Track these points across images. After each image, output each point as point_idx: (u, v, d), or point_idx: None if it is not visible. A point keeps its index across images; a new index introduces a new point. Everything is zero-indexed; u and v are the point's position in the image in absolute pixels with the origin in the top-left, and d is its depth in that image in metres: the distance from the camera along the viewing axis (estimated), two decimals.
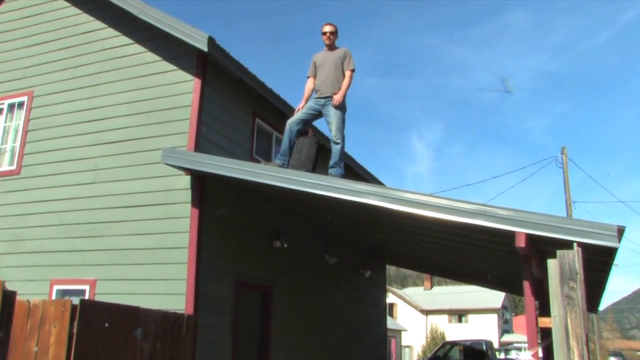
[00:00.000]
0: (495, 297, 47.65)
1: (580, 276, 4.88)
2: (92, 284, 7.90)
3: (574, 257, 4.96)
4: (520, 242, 5.26)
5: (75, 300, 5.25)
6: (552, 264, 4.98)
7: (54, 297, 8.07)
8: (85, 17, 9.39)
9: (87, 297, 7.82)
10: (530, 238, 5.32)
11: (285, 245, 9.40)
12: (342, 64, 7.80)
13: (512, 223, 5.37)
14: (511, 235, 5.37)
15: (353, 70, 7.80)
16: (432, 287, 55.49)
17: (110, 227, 8.06)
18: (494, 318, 48.58)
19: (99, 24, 9.21)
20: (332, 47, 7.96)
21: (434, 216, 5.85)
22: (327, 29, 7.91)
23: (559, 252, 5.02)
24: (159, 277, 7.53)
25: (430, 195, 6.10)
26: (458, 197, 5.82)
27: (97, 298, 7.63)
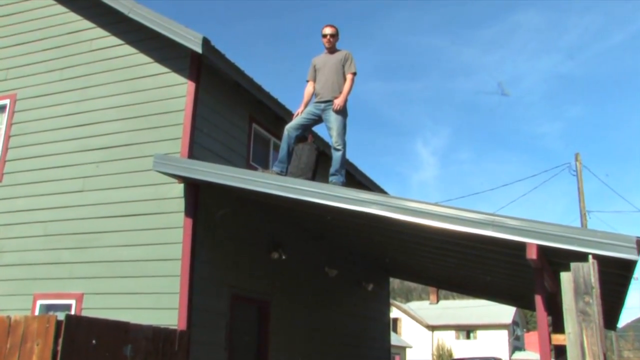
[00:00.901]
0: (506, 312, 47.51)
1: (596, 290, 4.85)
2: (79, 298, 7.87)
3: (589, 270, 4.93)
4: (532, 254, 5.24)
5: (60, 316, 5.21)
6: (565, 278, 4.95)
7: (37, 313, 8.03)
8: (72, 15, 9.40)
9: (73, 312, 7.79)
10: (542, 250, 5.30)
11: (284, 257, 9.38)
12: (343, 67, 7.82)
13: (522, 234, 5.36)
14: (522, 246, 5.36)
15: (354, 74, 7.82)
16: (438, 301, 55.37)
17: (98, 237, 8.04)
18: (504, 334, 48.42)
19: (87, 23, 9.22)
20: (332, 49, 7.99)
21: (440, 226, 5.84)
22: (328, 30, 7.93)
23: (572, 265, 5.00)
24: (150, 290, 7.50)
25: (436, 204, 6.10)
26: (465, 206, 5.99)
27: (84, 313, 7.60)
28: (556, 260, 5.67)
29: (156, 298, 7.42)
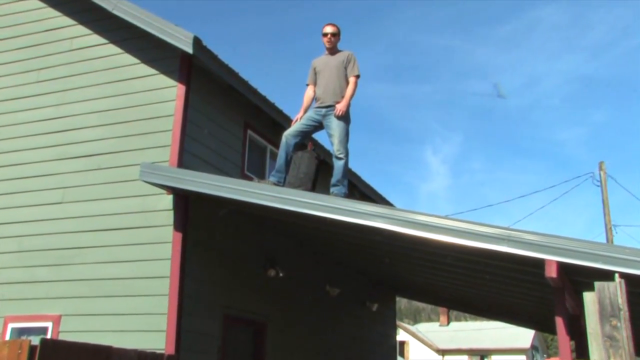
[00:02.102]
0: (524, 336, 47.30)
1: (624, 313, 4.80)
2: (56, 321, 7.81)
3: (616, 290, 4.88)
4: (551, 272, 5.23)
5: (35, 340, 5.13)
6: (588, 298, 4.90)
7: (8, 337, 7.96)
8: (50, 11, 9.40)
9: (49, 336, 7.72)
10: (562, 267, 5.28)
11: (281, 275, 9.35)
12: (346, 69, 7.83)
13: (541, 250, 5.35)
14: (540, 263, 5.34)
15: (358, 76, 7.82)
16: (449, 322, 55.21)
17: (79, 254, 8.00)
18: None
19: (66, 20, 9.22)
20: (333, 50, 8.00)
21: (450, 241, 5.84)
22: (328, 30, 7.95)
23: (597, 284, 4.96)
24: (135, 311, 7.46)
25: (446, 217, 6.11)
26: (478, 220, 5.96)
27: (62, 337, 7.54)
28: (579, 279, 5.66)
29: (142, 319, 7.37)
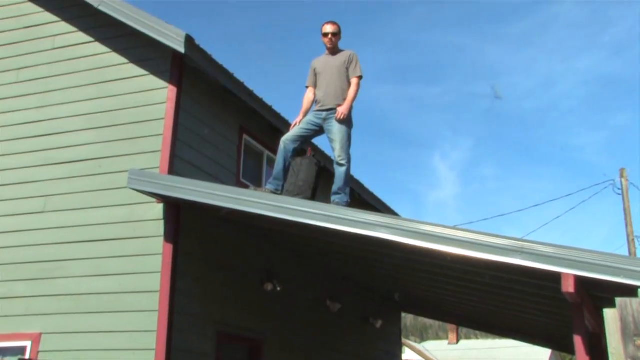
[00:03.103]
0: (539, 355, 47.15)
1: None
2: (36, 339, 7.78)
3: None
4: (568, 287, 5.20)
5: None
6: (609, 315, 4.87)
7: None
8: (31, 6, 9.39)
9: (27, 356, 7.68)
10: (580, 282, 5.26)
11: (279, 289, 9.33)
12: (347, 69, 7.85)
13: (557, 262, 5.34)
14: (556, 277, 5.32)
15: (360, 77, 7.84)
16: (458, 340, 55.07)
17: (61, 267, 7.98)
18: None
19: (48, 16, 9.22)
20: (334, 50, 8.01)
21: (460, 253, 5.83)
22: (329, 28, 7.96)
23: (618, 301, 4.93)
24: (122, 328, 7.44)
25: (455, 227, 6.09)
26: (489, 230, 5.82)
27: (42, 357, 7.52)
28: (598, 295, 5.65)
29: (129, 337, 7.35)
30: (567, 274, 5.24)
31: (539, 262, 5.42)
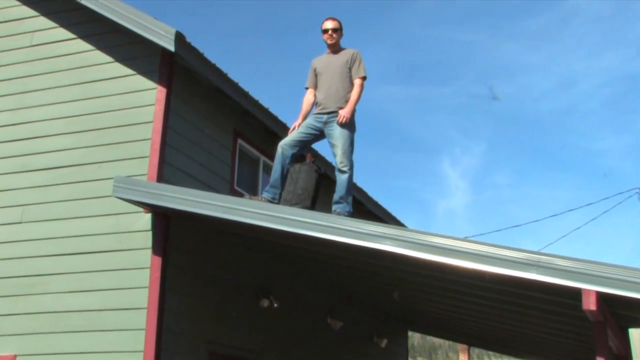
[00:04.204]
0: None
1: None
2: None
3: None
4: (589, 304, 5.19)
5: None
6: (635, 335, 4.87)
7: None
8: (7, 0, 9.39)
9: None
10: (603, 298, 5.25)
11: (276, 305, 9.33)
12: (350, 69, 7.86)
13: (577, 277, 5.33)
14: (576, 294, 5.31)
15: (364, 78, 7.85)
16: None
17: (39, 282, 7.95)
18: None
19: (26, 10, 9.21)
20: (335, 48, 8.02)
21: (471, 267, 5.82)
22: (329, 25, 7.97)
23: None
24: (106, 349, 7.41)
25: (466, 239, 6.11)
26: (503, 243, 5.80)
27: None
28: (623, 313, 5.65)
29: (114, 358, 7.33)
30: (588, 290, 5.22)
31: (557, 277, 5.41)
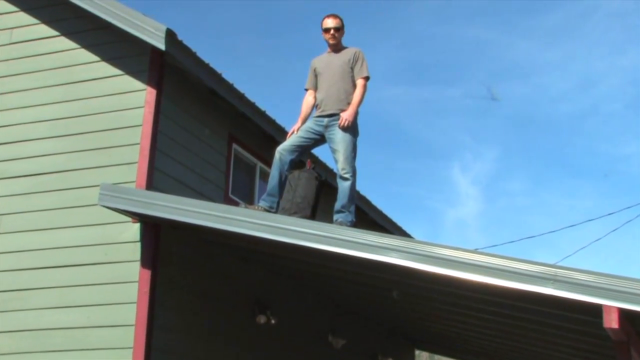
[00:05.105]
0: None
1: None
2: None
3: None
4: (611, 322, 5.14)
5: None
6: None
7: None
8: None
9: None
10: (626, 316, 5.20)
11: (273, 322, 9.31)
12: (352, 69, 7.85)
13: (597, 293, 5.28)
14: (597, 310, 5.27)
15: (367, 78, 7.83)
16: None
17: (18, 297, 7.92)
18: None
19: (4, 5, 9.19)
20: (337, 47, 8.01)
21: (482, 281, 5.79)
22: (330, 23, 7.96)
23: None
24: None
25: (477, 251, 6.07)
26: (517, 255, 5.75)
27: None
28: None
29: None
30: (610, 307, 5.18)
31: (575, 292, 5.36)
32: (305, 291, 10.69)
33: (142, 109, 8.02)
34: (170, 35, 7.90)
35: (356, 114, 7.66)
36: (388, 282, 7.86)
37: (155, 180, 7.85)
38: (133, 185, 7.72)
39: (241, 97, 9.23)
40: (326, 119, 7.70)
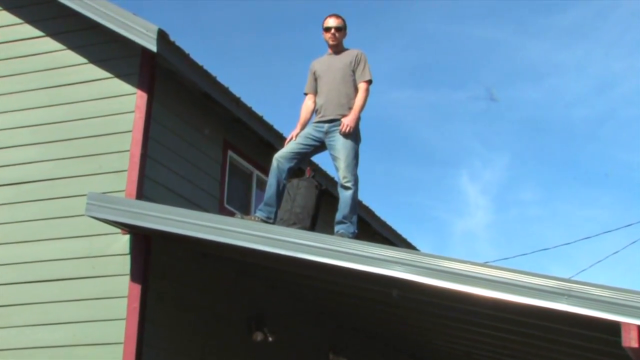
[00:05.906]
0: None
1: None
2: None
3: None
4: (630, 340, 5.10)
5: None
6: None
7: None
8: None
9: None
10: None
11: (271, 339, 9.28)
12: (354, 72, 7.87)
13: (614, 309, 5.24)
14: (614, 328, 5.23)
15: (370, 82, 7.84)
16: None
17: (1, 314, 7.90)
18: None
19: None
20: (338, 48, 8.03)
21: (492, 296, 5.77)
22: (331, 22, 7.98)
23: None
24: None
25: (487, 265, 6.07)
26: (530, 269, 5.90)
27: None
28: None
29: None
30: (629, 324, 5.14)
31: (591, 308, 5.33)
32: (304, 307, 10.68)
33: (132, 114, 8.03)
34: (161, 36, 7.91)
35: (358, 119, 7.67)
36: (392, 297, 7.85)
37: (146, 189, 7.86)
38: (122, 195, 7.72)
39: (237, 101, 9.24)
40: (326, 125, 7.70)
